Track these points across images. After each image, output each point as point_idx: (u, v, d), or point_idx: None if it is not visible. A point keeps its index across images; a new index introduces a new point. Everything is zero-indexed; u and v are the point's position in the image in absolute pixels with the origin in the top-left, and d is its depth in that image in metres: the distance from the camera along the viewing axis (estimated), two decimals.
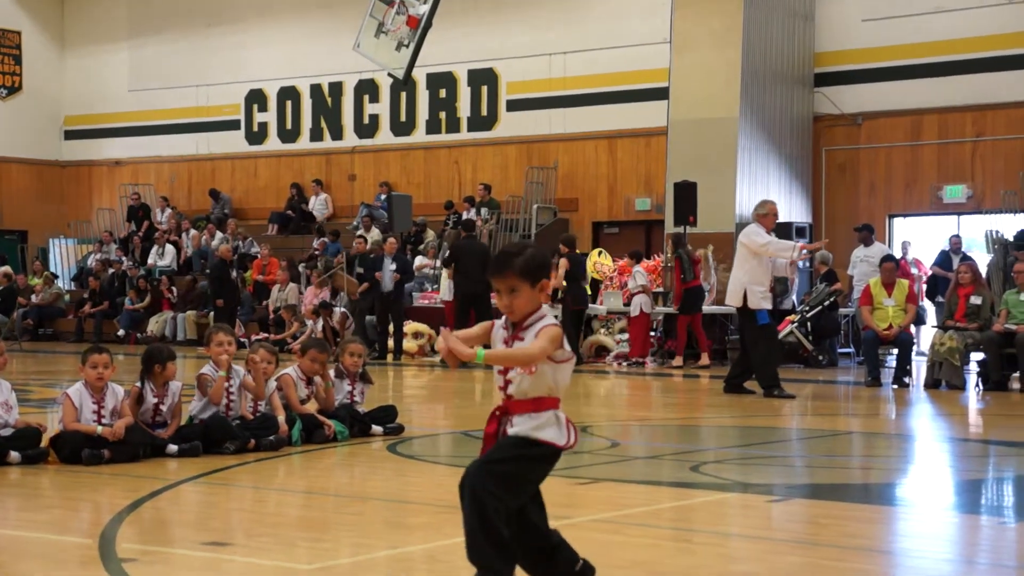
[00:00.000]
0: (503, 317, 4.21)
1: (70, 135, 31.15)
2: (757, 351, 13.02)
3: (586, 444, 9.16)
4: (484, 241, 20.78)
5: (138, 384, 7.93)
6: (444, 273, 19.38)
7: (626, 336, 18.85)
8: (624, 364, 18.18)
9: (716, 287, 19.42)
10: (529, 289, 4.11)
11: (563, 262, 18.09)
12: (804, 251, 14.16)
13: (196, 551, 5.00)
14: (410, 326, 20.14)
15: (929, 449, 9.59)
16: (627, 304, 18.80)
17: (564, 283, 18.16)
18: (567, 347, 4.15)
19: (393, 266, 19.52)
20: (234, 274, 22.97)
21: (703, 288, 18.52)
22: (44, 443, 7.52)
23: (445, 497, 6.50)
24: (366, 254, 20.71)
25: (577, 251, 18.89)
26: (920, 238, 21.29)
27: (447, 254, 19.38)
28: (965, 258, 18.47)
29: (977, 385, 14.24)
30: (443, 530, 5.47)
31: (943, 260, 19.90)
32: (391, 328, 19.67)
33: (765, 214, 13.30)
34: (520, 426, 4.10)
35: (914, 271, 19.89)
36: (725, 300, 13.42)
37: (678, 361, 17.95)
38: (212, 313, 22.14)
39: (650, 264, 20.50)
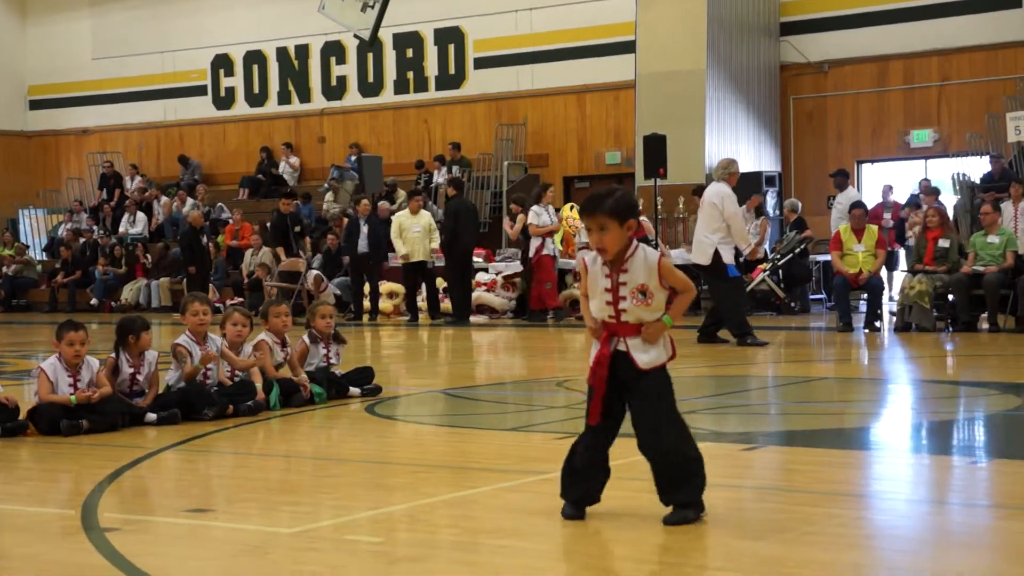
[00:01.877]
0: (592, 256, 4.65)
1: (35, 105, 30.86)
2: (727, 303, 13.14)
3: (562, 398, 9.24)
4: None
5: (113, 355, 7.94)
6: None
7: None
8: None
9: (688, 237, 19.51)
10: (617, 227, 4.54)
11: (520, 218, 18.30)
12: (749, 252, 14.15)
13: (178, 518, 5.05)
14: (385, 286, 20.17)
15: (901, 392, 9.71)
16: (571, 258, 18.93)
17: (519, 238, 18.48)
18: None
19: (366, 228, 19.52)
20: (205, 240, 22.89)
21: (648, 238, 18.65)
22: (22, 416, 7.53)
23: (424, 457, 6.57)
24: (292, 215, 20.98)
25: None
26: (888, 183, 21.40)
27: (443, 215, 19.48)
28: (934, 194, 18.70)
29: (947, 327, 14.39)
30: (422, 490, 5.53)
31: (912, 204, 20.03)
32: (366, 289, 19.69)
33: (734, 172, 13.35)
34: (645, 355, 4.58)
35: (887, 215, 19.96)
36: (692, 258, 13.39)
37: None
38: (185, 280, 22.11)
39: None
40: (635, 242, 4.60)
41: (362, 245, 19.48)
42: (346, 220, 21.30)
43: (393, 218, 19.49)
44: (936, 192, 19.17)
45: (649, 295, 4.58)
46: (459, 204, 18.81)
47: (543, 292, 18.18)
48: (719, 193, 13.18)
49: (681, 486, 4.59)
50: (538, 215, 18.14)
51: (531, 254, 18.18)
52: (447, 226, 18.62)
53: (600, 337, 4.64)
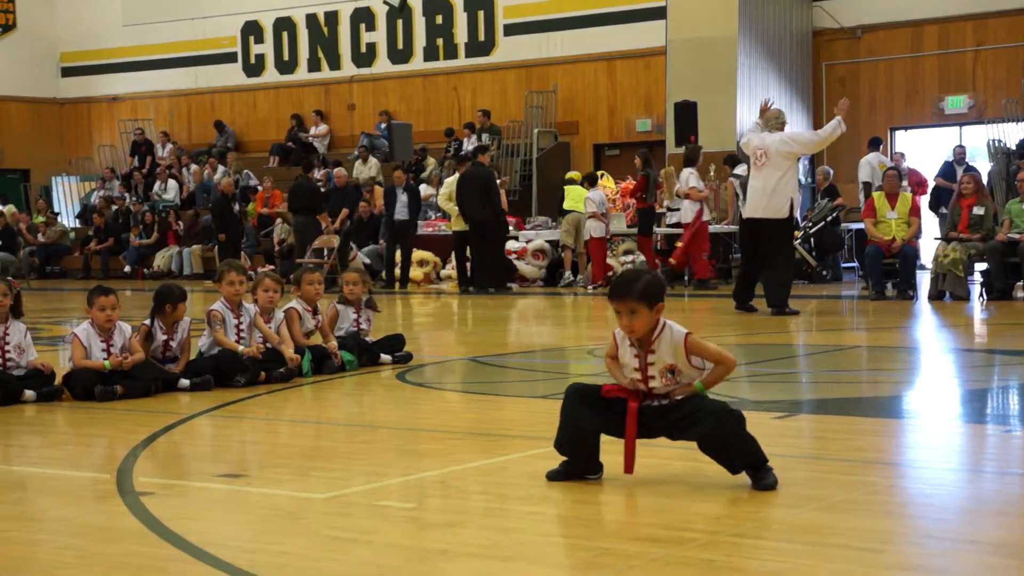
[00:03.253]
0: (620, 333, 4.76)
1: (67, 72, 30.98)
2: (784, 275, 12.75)
3: (594, 366, 9.23)
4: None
5: (147, 322, 7.98)
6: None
7: (631, 258, 18.86)
8: (594, 288, 18.14)
9: (720, 205, 19.43)
10: (647, 311, 4.65)
11: (690, 178, 17.68)
12: (842, 119, 12.88)
13: (212, 483, 5.08)
14: (416, 254, 20.19)
15: (934, 360, 9.65)
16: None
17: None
18: None
19: (405, 197, 19.45)
20: (237, 208, 22.93)
21: (654, 211, 18.50)
22: (58, 381, 7.60)
23: (455, 424, 6.58)
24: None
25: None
26: (922, 150, 21.24)
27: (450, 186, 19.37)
28: (968, 169, 18.44)
29: (981, 295, 14.28)
30: (453, 456, 5.54)
31: (946, 171, 19.85)
32: (398, 257, 19.68)
33: (784, 122, 13.12)
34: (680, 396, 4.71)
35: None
36: (760, 213, 12.66)
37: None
38: (216, 247, 22.19)
39: (627, 185, 20.50)
40: (662, 322, 4.70)
41: (400, 213, 19.41)
42: (378, 189, 21.38)
43: (446, 182, 19.41)
44: (965, 163, 19.00)
45: (678, 373, 4.70)
46: (466, 175, 18.62)
47: (700, 260, 17.62)
48: (785, 139, 12.72)
49: (744, 451, 4.62)
50: (699, 179, 17.62)
51: (690, 219, 17.41)
52: (457, 197, 18.53)
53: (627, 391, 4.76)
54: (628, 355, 4.77)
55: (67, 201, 29.90)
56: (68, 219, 29.02)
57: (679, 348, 4.68)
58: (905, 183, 17.60)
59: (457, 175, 19.01)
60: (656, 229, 18.87)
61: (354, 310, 9.07)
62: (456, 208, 18.58)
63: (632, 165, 19.38)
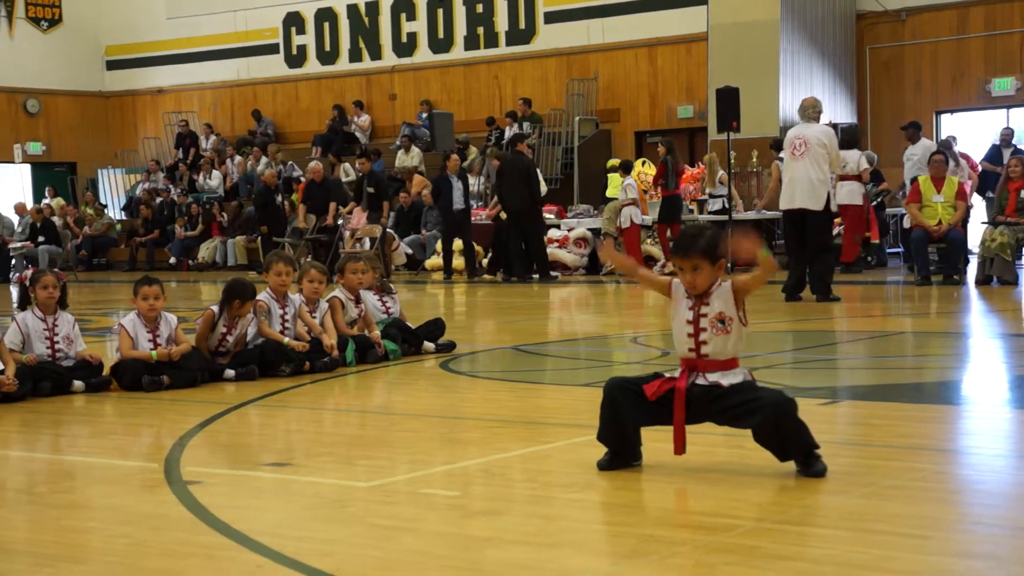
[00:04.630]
0: (678, 288, 4.78)
1: (112, 65, 31.24)
2: (828, 261, 12.76)
3: (637, 354, 9.22)
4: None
5: (214, 308, 8.04)
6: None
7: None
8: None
9: (761, 192, 19.32)
10: (710, 267, 4.69)
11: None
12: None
13: (258, 472, 5.12)
14: (457, 243, 20.18)
15: (982, 346, 9.56)
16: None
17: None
18: None
19: (460, 184, 19.21)
20: (280, 199, 23.01)
21: (681, 197, 18.46)
22: (106, 372, 7.68)
23: (498, 412, 6.59)
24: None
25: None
26: (968, 133, 20.98)
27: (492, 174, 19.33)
28: (1016, 152, 18.20)
29: None
30: (497, 444, 5.56)
31: (993, 154, 19.62)
32: (456, 247, 19.34)
33: (821, 111, 13.09)
34: (730, 378, 4.68)
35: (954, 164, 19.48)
36: (800, 203, 12.68)
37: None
38: (260, 239, 22.30)
39: (694, 172, 20.39)
40: (719, 280, 4.76)
41: (458, 202, 19.11)
42: (418, 178, 21.35)
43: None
44: (1013, 146, 18.69)
45: (728, 322, 4.70)
46: (505, 164, 18.55)
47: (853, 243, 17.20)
48: (826, 132, 12.78)
49: (797, 439, 4.59)
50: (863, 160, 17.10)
51: (861, 200, 16.81)
52: (496, 186, 18.45)
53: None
54: (683, 308, 4.75)
55: (113, 194, 30.18)
56: (114, 212, 29.29)
57: (728, 293, 4.72)
58: (964, 165, 17.26)
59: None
60: (700, 217, 18.80)
61: (375, 294, 9.10)
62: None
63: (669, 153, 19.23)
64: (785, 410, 4.55)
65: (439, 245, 20.36)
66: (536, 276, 18.20)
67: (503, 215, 18.92)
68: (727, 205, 18.34)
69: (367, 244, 19.99)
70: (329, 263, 18.00)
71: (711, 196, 19.24)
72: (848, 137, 16.88)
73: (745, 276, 4.80)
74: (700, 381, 4.69)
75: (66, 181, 30.44)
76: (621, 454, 4.80)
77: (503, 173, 18.36)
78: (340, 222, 21.01)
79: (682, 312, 4.75)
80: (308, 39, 28.31)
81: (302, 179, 25.13)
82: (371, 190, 20.32)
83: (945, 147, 16.99)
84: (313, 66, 28.35)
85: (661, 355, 8.96)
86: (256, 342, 8.16)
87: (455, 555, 3.74)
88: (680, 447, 4.71)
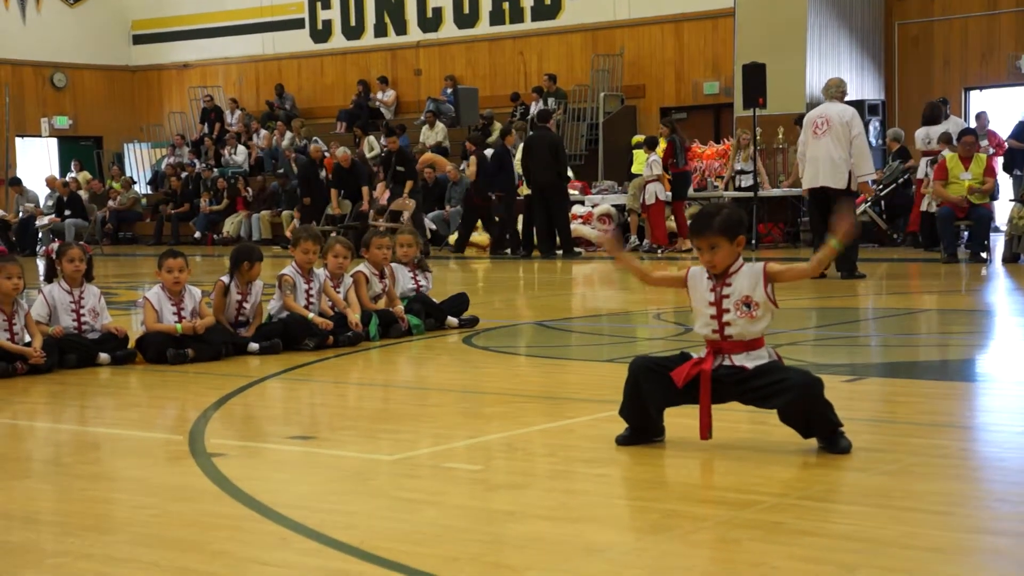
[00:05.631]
0: (698, 270, 4.73)
1: (138, 40, 31.28)
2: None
3: (660, 330, 9.21)
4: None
5: (224, 279, 8.08)
6: None
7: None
8: (660, 251, 18.20)
9: (787, 168, 19.23)
10: (728, 244, 4.63)
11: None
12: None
13: (282, 445, 5.15)
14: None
15: (1008, 324, 9.50)
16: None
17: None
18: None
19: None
20: (324, 173, 22.79)
21: (689, 174, 18.51)
22: (131, 344, 7.73)
23: (521, 387, 6.60)
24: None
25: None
26: (998, 110, 20.77)
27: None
28: None
29: None
30: (520, 419, 5.57)
31: (1020, 131, 19.44)
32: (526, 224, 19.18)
33: (845, 92, 12.99)
34: (755, 360, 4.63)
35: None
36: (823, 181, 12.67)
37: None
38: (299, 210, 22.26)
39: (720, 148, 20.31)
40: (741, 259, 4.69)
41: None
42: (439, 157, 21.29)
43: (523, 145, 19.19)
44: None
45: (754, 307, 4.62)
46: (531, 139, 18.51)
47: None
48: (852, 116, 12.68)
49: (823, 418, 4.57)
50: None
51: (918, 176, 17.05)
52: (522, 162, 18.43)
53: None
54: (704, 290, 4.69)
55: (138, 168, 30.28)
56: (140, 186, 29.39)
57: (758, 277, 4.63)
58: (986, 143, 17.16)
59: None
60: (725, 193, 18.76)
61: (409, 270, 9.11)
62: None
63: (698, 128, 19.23)
64: (813, 391, 4.53)
65: (479, 223, 20.09)
66: (560, 252, 18.19)
67: (524, 191, 18.88)
68: (756, 180, 18.32)
69: (404, 216, 19.96)
70: (356, 238, 17.98)
71: (741, 172, 19.17)
72: (932, 113, 17.01)
73: (782, 266, 4.73)
74: (726, 363, 4.67)
75: (92, 155, 30.56)
76: (641, 431, 4.80)
77: (529, 149, 18.34)
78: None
79: (703, 294, 4.70)
80: (333, 14, 28.26)
81: (327, 155, 25.12)
82: (401, 168, 20.26)
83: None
84: (338, 41, 28.32)
85: (684, 331, 8.95)
86: (280, 315, 8.19)
87: (477, 528, 3.75)
88: (706, 431, 4.68)
